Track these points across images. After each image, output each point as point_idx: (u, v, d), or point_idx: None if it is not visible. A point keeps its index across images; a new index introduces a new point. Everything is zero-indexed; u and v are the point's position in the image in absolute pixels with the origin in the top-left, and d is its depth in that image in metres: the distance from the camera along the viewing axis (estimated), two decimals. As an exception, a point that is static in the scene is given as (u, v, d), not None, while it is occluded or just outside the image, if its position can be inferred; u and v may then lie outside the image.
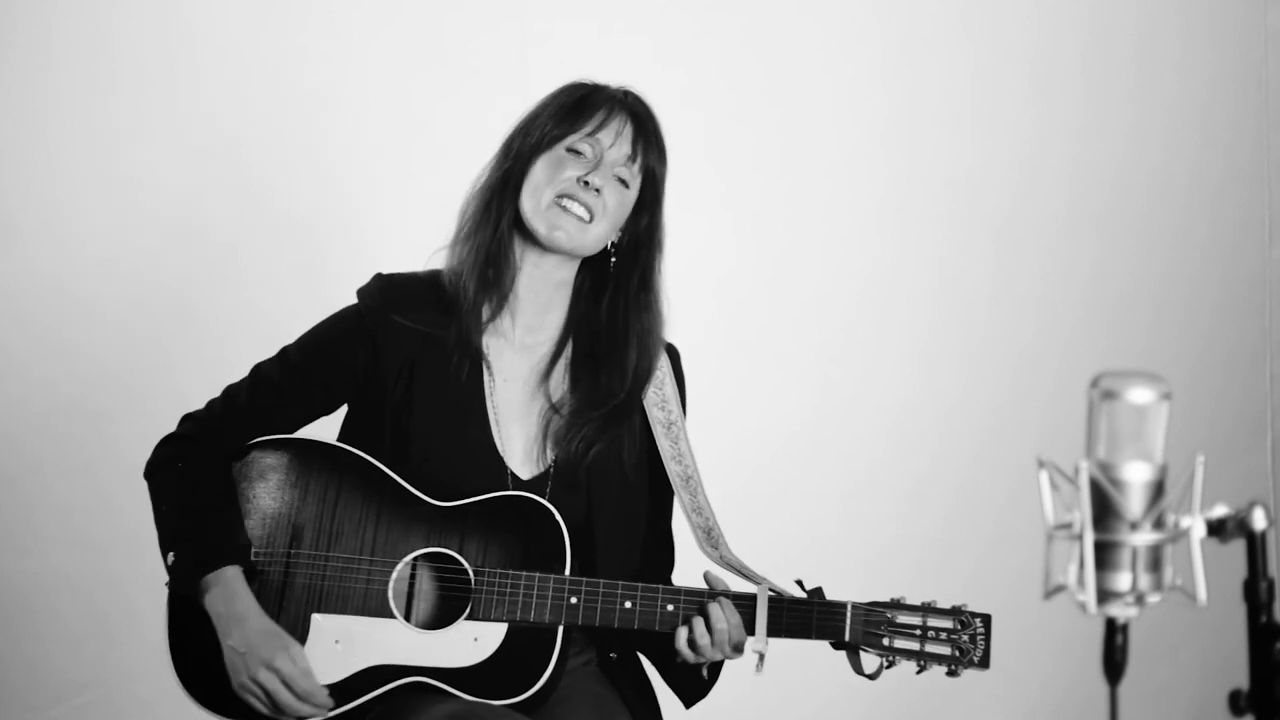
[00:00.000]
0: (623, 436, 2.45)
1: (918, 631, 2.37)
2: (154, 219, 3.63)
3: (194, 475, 2.38)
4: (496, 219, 2.42)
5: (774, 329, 3.97)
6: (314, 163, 3.70)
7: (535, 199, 2.39)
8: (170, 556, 2.34)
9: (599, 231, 2.41)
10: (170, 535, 2.36)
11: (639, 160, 2.44)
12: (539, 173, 2.40)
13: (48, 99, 3.58)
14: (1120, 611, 1.45)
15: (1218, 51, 4.23)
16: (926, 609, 2.38)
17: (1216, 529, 1.47)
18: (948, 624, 2.38)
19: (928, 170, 4.05)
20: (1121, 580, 1.44)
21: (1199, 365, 4.14)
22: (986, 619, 2.39)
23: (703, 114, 3.92)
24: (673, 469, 2.47)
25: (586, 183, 2.38)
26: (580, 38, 3.81)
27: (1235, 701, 1.47)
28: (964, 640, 2.37)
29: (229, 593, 2.30)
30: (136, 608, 3.12)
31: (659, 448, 2.47)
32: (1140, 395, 1.45)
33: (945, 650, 2.37)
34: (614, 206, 2.41)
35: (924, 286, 4.05)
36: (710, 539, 2.45)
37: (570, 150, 2.41)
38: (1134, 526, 1.44)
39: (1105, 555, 1.44)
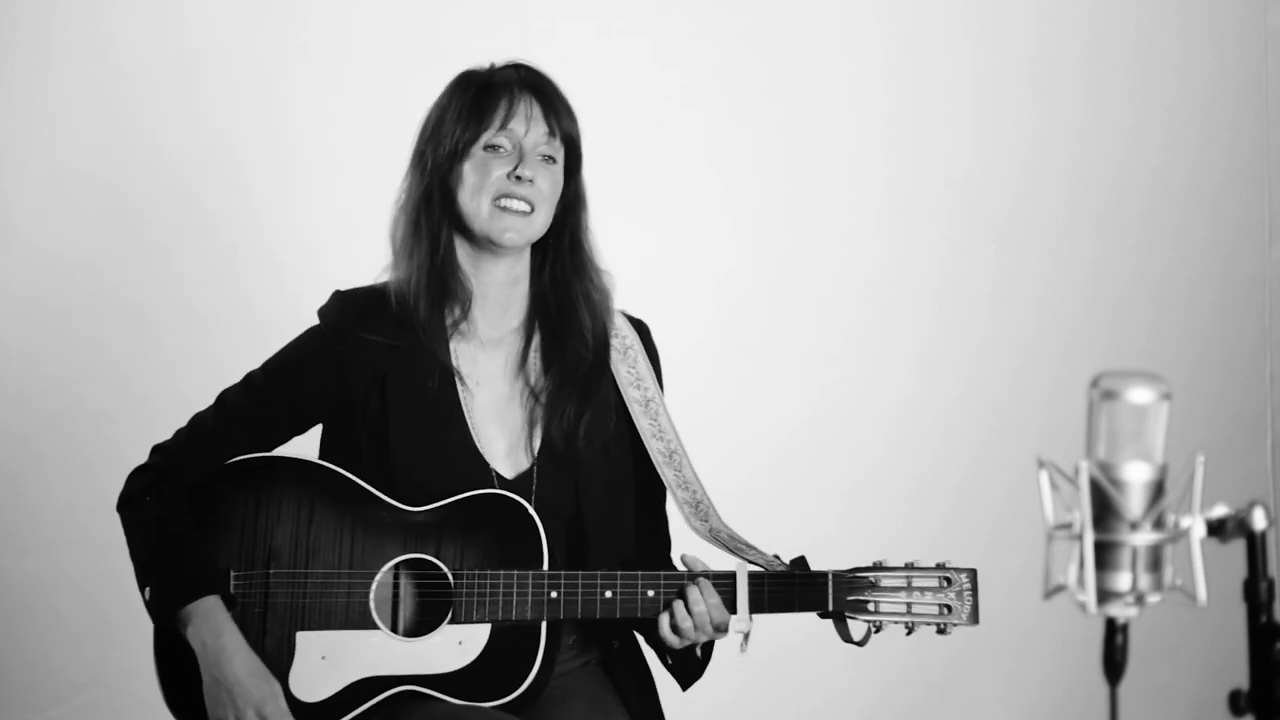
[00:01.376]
0: (605, 416, 2.44)
1: (903, 593, 2.35)
2: (154, 219, 3.63)
3: (165, 508, 2.36)
4: (433, 235, 2.40)
5: (774, 329, 3.97)
6: (314, 163, 3.70)
7: (475, 206, 2.38)
8: (147, 591, 2.32)
9: (542, 217, 2.40)
10: (145, 569, 2.34)
11: (558, 133, 2.42)
12: (467, 180, 2.38)
13: (48, 99, 3.58)
14: (1120, 611, 1.45)
15: (1218, 51, 4.23)
16: (911, 569, 2.36)
17: (1216, 529, 1.47)
18: (933, 583, 2.35)
19: (928, 170, 4.05)
20: (1121, 580, 1.44)
21: (1199, 365, 4.14)
22: (972, 574, 2.36)
23: (703, 114, 3.92)
24: (654, 446, 2.45)
25: (518, 177, 2.37)
26: (580, 38, 3.81)
27: (1235, 701, 1.47)
28: (950, 597, 2.35)
29: (212, 623, 2.29)
30: (136, 608, 3.10)
31: (639, 427, 2.46)
32: (1140, 395, 1.45)
33: (933, 610, 2.35)
34: (549, 188, 2.40)
35: (924, 286, 4.05)
36: (699, 512, 2.43)
37: (488, 148, 2.39)
38: (1134, 526, 1.44)
39: (1105, 555, 1.44)
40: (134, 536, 2.38)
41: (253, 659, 2.29)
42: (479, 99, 2.40)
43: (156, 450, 2.43)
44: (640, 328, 2.55)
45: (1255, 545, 1.46)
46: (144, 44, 3.63)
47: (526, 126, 2.39)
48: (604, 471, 2.44)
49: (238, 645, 2.29)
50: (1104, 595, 1.44)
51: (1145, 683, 3.63)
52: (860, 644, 2.36)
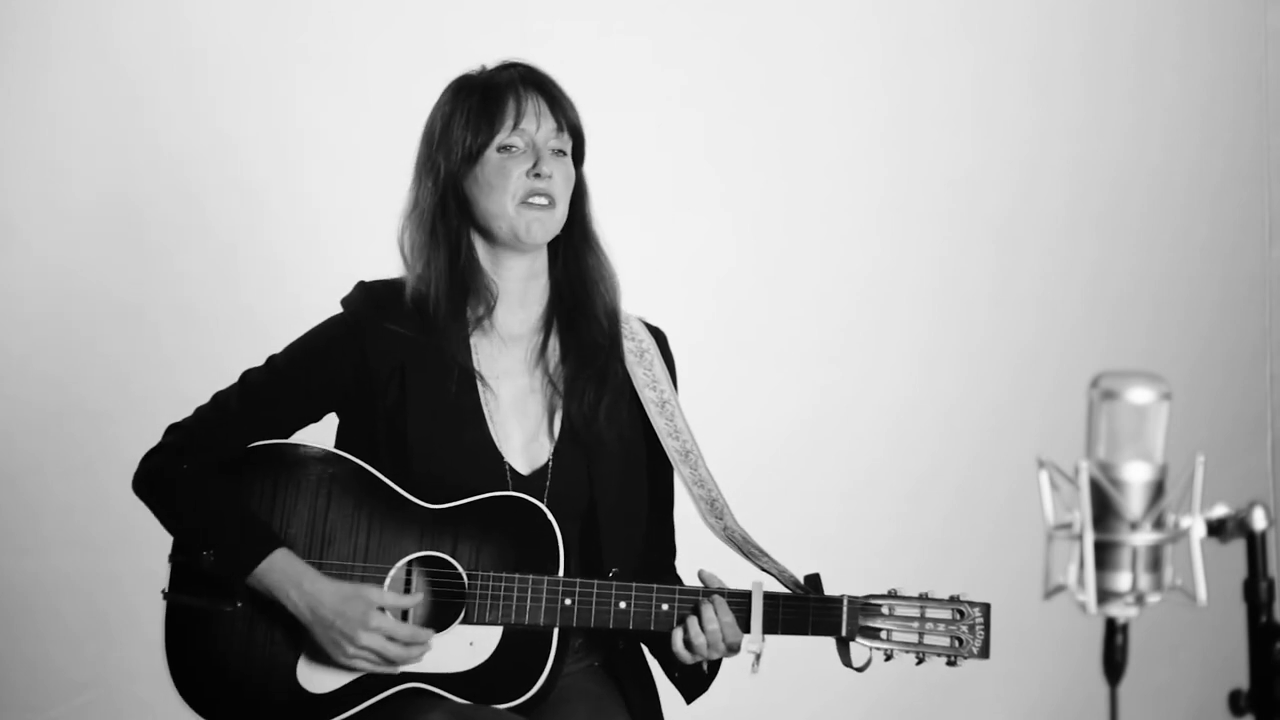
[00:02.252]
0: (621, 400, 2.45)
1: (915, 623, 2.35)
2: (154, 219, 3.64)
3: (204, 475, 2.37)
4: (451, 242, 2.41)
5: (774, 329, 3.97)
6: (314, 163, 3.70)
7: (499, 209, 2.38)
8: (208, 555, 2.32)
9: (562, 209, 2.42)
10: (203, 532, 2.34)
11: (565, 127, 2.43)
12: (488, 184, 2.39)
13: (48, 99, 3.58)
14: (1120, 611, 1.45)
15: (1218, 51, 4.23)
16: (924, 600, 2.36)
17: (1216, 529, 1.47)
18: (946, 614, 2.35)
19: (928, 170, 4.05)
20: (1121, 580, 1.44)
21: (1199, 365, 4.14)
22: (985, 608, 2.35)
23: (703, 114, 3.93)
24: (670, 445, 2.46)
25: (538, 175, 2.38)
26: (580, 38, 3.81)
27: (1235, 701, 1.47)
28: (963, 630, 2.34)
29: (291, 574, 2.30)
30: (136, 608, 3.12)
31: (655, 427, 2.47)
32: (1140, 395, 1.45)
33: (944, 641, 2.34)
34: (563, 179, 2.42)
35: (924, 286, 4.05)
36: (714, 510, 2.44)
37: (501, 149, 2.40)
38: (1134, 526, 1.44)
39: (1105, 555, 1.44)
40: (174, 506, 2.38)
41: (338, 587, 2.29)
42: (486, 102, 2.41)
43: (173, 429, 2.43)
44: (658, 335, 2.57)
45: (1255, 545, 1.46)
46: (144, 44, 3.63)
47: (537, 124, 2.40)
48: (620, 460, 2.45)
49: (320, 584, 2.30)
50: (1104, 595, 1.44)
51: (1145, 683, 3.63)
52: (860, 670, 2.36)
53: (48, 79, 3.58)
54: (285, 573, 2.30)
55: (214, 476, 2.37)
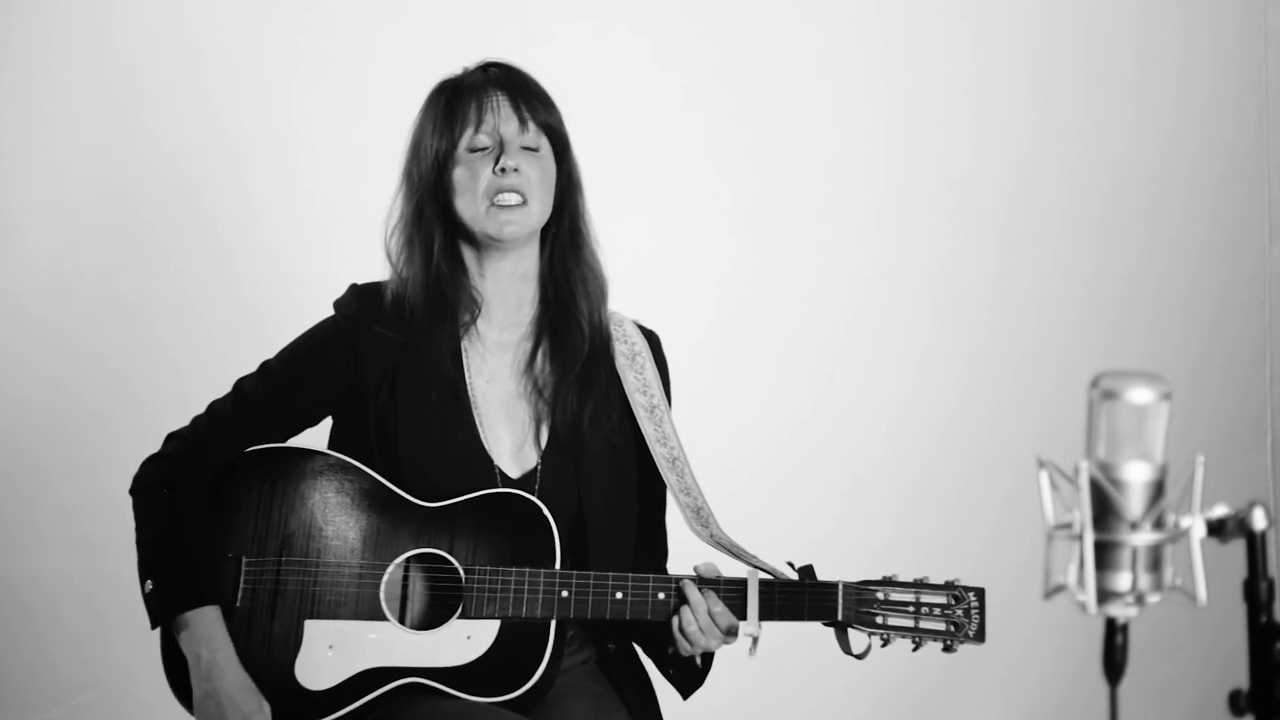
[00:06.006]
0: (607, 406, 2.45)
1: (911, 608, 2.36)
2: (154, 219, 3.64)
3: (181, 504, 2.37)
4: (426, 248, 2.42)
5: (774, 329, 3.97)
6: (314, 163, 3.70)
7: (473, 210, 2.39)
8: (148, 585, 2.33)
9: (538, 205, 2.41)
10: (150, 564, 2.35)
11: (531, 122, 2.42)
12: (458, 185, 2.40)
13: (48, 99, 3.58)
14: (1120, 611, 1.45)
15: (1218, 51, 4.23)
16: (919, 585, 2.37)
17: (1216, 529, 1.47)
18: (941, 599, 2.36)
19: (928, 170, 4.05)
20: (1121, 580, 1.44)
21: (1199, 365, 4.14)
22: (980, 593, 2.37)
23: (703, 114, 3.93)
24: (658, 451, 2.46)
25: (503, 169, 2.38)
26: (580, 38, 3.81)
27: (1235, 701, 1.47)
28: (958, 615, 2.35)
29: (211, 637, 2.31)
30: (136, 608, 3.12)
31: (643, 432, 2.47)
32: (1140, 395, 1.45)
33: (940, 626, 2.35)
34: (538, 177, 2.41)
35: (924, 286, 4.05)
36: (700, 518, 2.44)
37: (470, 150, 2.40)
38: (1134, 526, 1.44)
39: (1105, 555, 1.44)
40: (144, 526, 2.38)
41: (244, 675, 2.31)
42: (450, 106, 2.42)
43: (172, 438, 2.43)
44: (651, 338, 2.56)
45: (1255, 545, 1.46)
46: (144, 43, 3.63)
47: (499, 122, 2.41)
48: (608, 466, 2.45)
49: (231, 661, 2.31)
50: (1104, 595, 1.44)
51: (1145, 683, 3.63)
52: (860, 657, 2.36)
53: (48, 79, 3.58)
54: (207, 632, 2.31)
55: (190, 507, 2.37)
